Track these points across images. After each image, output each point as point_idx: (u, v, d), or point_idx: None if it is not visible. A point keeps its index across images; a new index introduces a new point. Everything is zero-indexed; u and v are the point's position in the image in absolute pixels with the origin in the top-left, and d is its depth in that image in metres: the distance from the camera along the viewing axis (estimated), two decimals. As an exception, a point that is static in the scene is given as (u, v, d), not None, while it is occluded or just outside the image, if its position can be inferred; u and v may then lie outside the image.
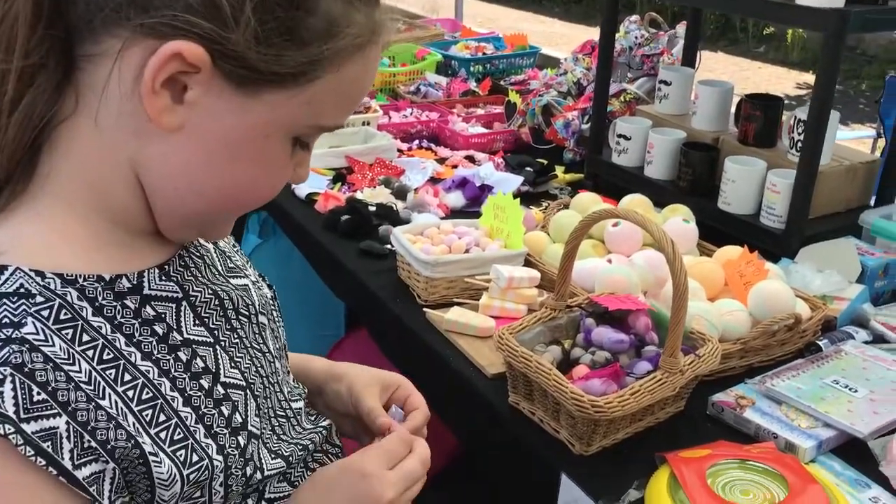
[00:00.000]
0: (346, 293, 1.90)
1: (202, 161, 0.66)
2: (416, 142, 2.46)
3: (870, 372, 1.33)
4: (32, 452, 0.59)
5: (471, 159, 2.33)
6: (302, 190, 2.07)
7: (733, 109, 2.01)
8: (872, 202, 1.88)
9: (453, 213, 1.99)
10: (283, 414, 0.82)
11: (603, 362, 1.20)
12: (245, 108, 0.64)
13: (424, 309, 1.54)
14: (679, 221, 1.63)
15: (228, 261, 0.83)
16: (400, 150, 2.35)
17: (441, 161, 2.32)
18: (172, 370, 0.69)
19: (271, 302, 0.87)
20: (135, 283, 0.69)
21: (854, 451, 1.19)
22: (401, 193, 2.04)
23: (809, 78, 7.51)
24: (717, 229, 1.78)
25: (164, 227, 0.71)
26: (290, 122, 0.67)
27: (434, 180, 2.16)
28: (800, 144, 1.72)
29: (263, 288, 0.87)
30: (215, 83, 0.63)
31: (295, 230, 2.03)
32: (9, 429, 0.58)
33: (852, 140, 4.36)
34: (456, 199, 2.03)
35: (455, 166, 2.27)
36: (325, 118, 0.69)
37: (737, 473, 1.11)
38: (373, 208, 1.92)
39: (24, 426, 0.58)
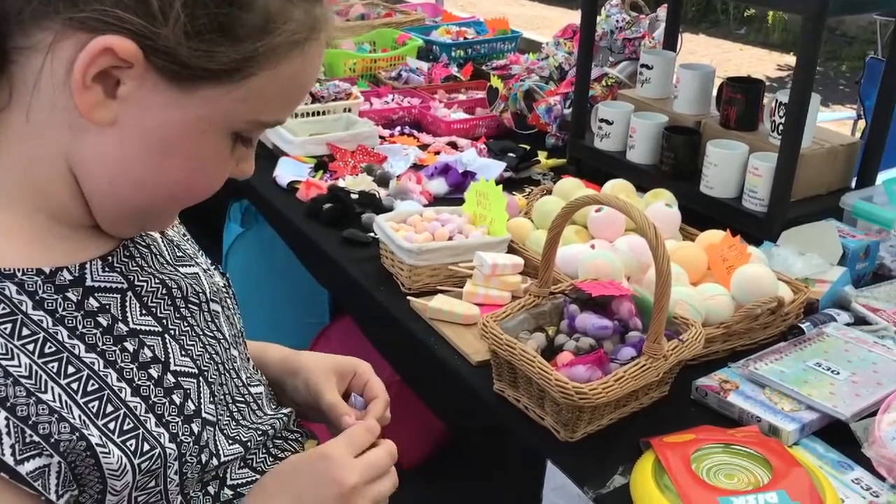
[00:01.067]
0: (329, 282, 1.89)
1: (137, 156, 0.65)
2: (398, 128, 2.44)
3: (852, 354, 1.34)
4: None
5: (453, 145, 2.32)
6: (283, 178, 2.05)
7: (715, 93, 2.01)
8: (853, 184, 1.89)
9: (436, 200, 1.99)
10: (242, 399, 0.82)
11: (587, 349, 1.20)
12: (180, 104, 0.64)
13: (408, 297, 1.54)
14: (661, 206, 1.63)
15: (177, 250, 0.82)
16: (382, 137, 2.34)
17: (423, 147, 2.30)
18: (119, 361, 0.68)
19: (224, 289, 0.86)
20: (76, 275, 0.68)
21: (837, 434, 1.19)
22: (383, 181, 2.03)
23: (790, 59, 7.53)
24: (699, 213, 1.78)
25: (101, 221, 0.70)
26: (228, 117, 0.66)
27: (416, 167, 2.15)
28: (781, 127, 1.72)
29: (215, 276, 0.86)
30: (149, 78, 0.62)
31: (277, 219, 2.01)
32: None
33: (832, 122, 4.38)
34: (438, 185, 2.02)
35: (437, 153, 2.26)
36: (264, 114, 0.68)
37: (721, 458, 1.11)
38: (355, 196, 1.91)
39: None
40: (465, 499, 2.13)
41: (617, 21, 2.41)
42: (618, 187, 1.72)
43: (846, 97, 6.36)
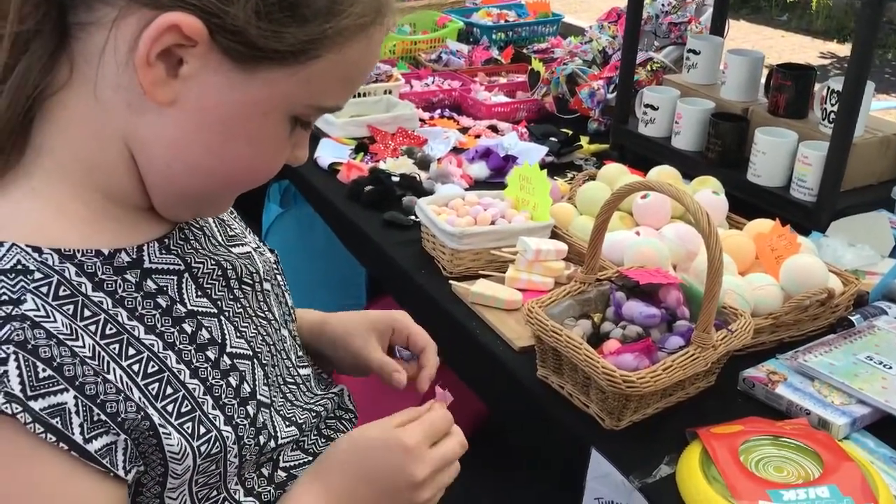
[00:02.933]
0: (370, 264, 1.89)
1: (196, 138, 0.65)
2: (438, 111, 2.43)
3: (904, 348, 1.31)
4: (42, 429, 0.58)
5: (494, 129, 2.31)
6: (324, 160, 2.05)
7: (763, 79, 1.97)
8: (905, 175, 1.85)
9: (477, 184, 1.97)
10: (293, 381, 0.82)
11: (634, 337, 1.19)
12: (242, 85, 0.63)
13: (450, 281, 1.53)
14: (709, 194, 1.60)
15: (228, 229, 0.82)
16: (422, 120, 2.33)
17: (464, 131, 2.29)
18: (177, 343, 0.68)
19: (275, 267, 0.86)
20: (134, 257, 0.68)
21: (888, 429, 1.17)
22: (424, 164, 2.02)
23: (834, 47, 7.38)
24: (745, 202, 1.75)
25: (158, 204, 0.70)
26: (289, 101, 0.65)
27: (457, 150, 2.13)
28: (833, 116, 1.68)
29: (266, 253, 0.85)
30: (212, 58, 0.61)
31: (318, 200, 2.01)
32: (16, 408, 0.57)
33: (879, 111, 4.29)
34: (479, 169, 2.01)
35: (478, 136, 2.25)
36: (325, 98, 0.67)
37: (770, 450, 1.10)
38: (396, 178, 1.90)
39: (31, 404, 0.58)
40: (506, 484, 2.12)
41: (663, 5, 2.38)
42: (664, 174, 1.69)
43: (891, 86, 6.23)
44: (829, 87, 1.73)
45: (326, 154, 2.08)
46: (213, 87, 0.63)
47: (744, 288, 1.34)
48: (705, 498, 1.03)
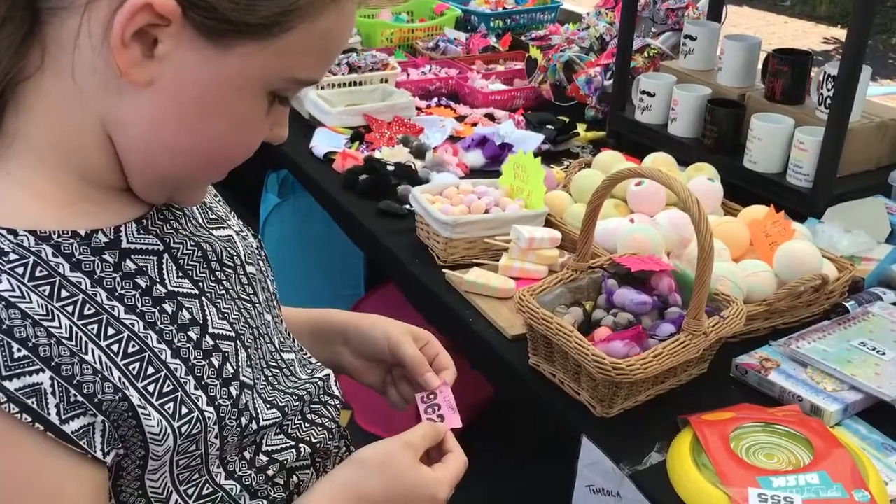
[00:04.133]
0: (367, 252, 1.89)
1: (174, 117, 0.65)
2: (435, 99, 2.42)
3: (898, 334, 1.30)
4: (17, 409, 0.58)
5: (490, 117, 2.30)
6: (320, 149, 2.04)
7: (760, 65, 1.96)
8: (903, 160, 1.84)
9: (473, 173, 1.97)
10: (276, 365, 0.81)
11: (625, 324, 1.18)
12: (216, 61, 0.63)
13: (444, 270, 1.53)
14: (704, 180, 1.59)
15: (210, 212, 0.82)
16: (418, 108, 2.32)
17: (460, 119, 2.28)
18: (158, 322, 0.68)
19: (257, 252, 0.85)
20: (111, 237, 0.68)
21: (881, 415, 1.17)
22: (419, 152, 2.01)
23: (837, 32, 7.33)
24: (741, 188, 1.74)
25: (135, 186, 0.70)
26: (264, 75, 0.65)
27: (453, 139, 2.13)
28: (829, 101, 1.67)
29: (248, 237, 0.85)
30: (186, 35, 0.61)
31: (313, 189, 2.01)
32: None
33: (882, 96, 4.27)
34: (475, 157, 2.00)
35: (475, 124, 2.24)
36: (300, 71, 0.67)
37: (761, 437, 1.09)
38: (391, 167, 1.90)
39: (5, 384, 0.58)
40: (499, 470, 2.13)
41: (660, -9, 2.36)
42: (659, 161, 1.69)
43: (895, 71, 6.19)
44: (825, 72, 1.72)
45: (322, 143, 2.07)
46: (188, 65, 0.63)
47: (737, 274, 1.34)
48: (695, 485, 1.03)
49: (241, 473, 0.74)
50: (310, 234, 2.55)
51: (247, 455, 0.75)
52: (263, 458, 0.76)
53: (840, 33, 7.34)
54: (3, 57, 0.63)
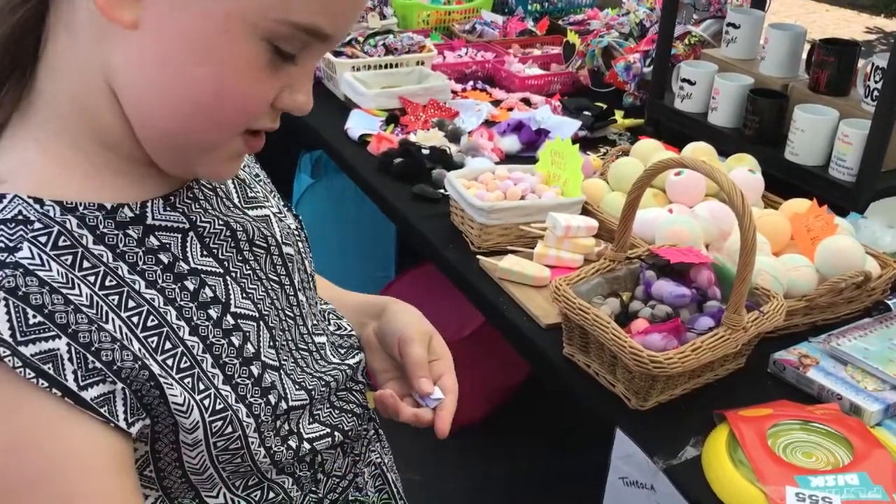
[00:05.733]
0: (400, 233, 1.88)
1: (161, 61, 0.61)
2: (471, 83, 2.40)
3: (942, 334, 1.28)
4: (33, 374, 0.58)
5: (527, 102, 2.28)
6: (355, 131, 2.04)
7: (804, 55, 1.92)
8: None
9: (508, 158, 1.95)
10: (306, 347, 0.81)
11: (663, 317, 1.17)
12: (201, 1, 0.59)
13: (478, 256, 1.52)
14: (744, 172, 1.57)
15: (248, 190, 0.80)
16: (454, 92, 2.30)
17: (496, 103, 2.26)
18: (178, 299, 0.68)
19: (296, 233, 0.84)
20: (137, 212, 0.67)
21: (923, 417, 1.14)
22: (454, 136, 2.00)
23: (881, 22, 7.18)
24: (782, 180, 1.71)
25: (148, 148, 0.67)
26: (254, 14, 0.60)
27: (489, 123, 2.11)
28: (876, 93, 1.63)
29: (288, 219, 0.84)
30: None
31: (347, 171, 2.01)
32: (4, 352, 0.57)
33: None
34: (511, 143, 1.98)
35: (510, 109, 2.22)
36: (294, 12, 0.60)
37: (799, 435, 1.08)
38: (426, 151, 1.89)
39: (21, 349, 0.58)
40: (531, 458, 2.13)
41: (703, -23, 2.32)
42: (699, 151, 1.66)
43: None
44: (873, 64, 1.68)
45: (357, 125, 2.07)
46: (172, 3, 0.60)
47: (777, 269, 1.31)
48: (731, 481, 1.02)
49: (283, 462, 0.74)
50: (342, 216, 2.56)
51: (291, 443, 0.75)
52: (306, 446, 0.76)
53: (883, 23, 7.19)
54: (10, 8, 0.63)
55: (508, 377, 2.23)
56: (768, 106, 1.81)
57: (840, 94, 1.78)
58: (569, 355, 1.26)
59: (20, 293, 0.59)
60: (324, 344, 0.84)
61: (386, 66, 2.30)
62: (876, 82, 1.66)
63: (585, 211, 1.57)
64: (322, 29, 0.62)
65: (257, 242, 0.76)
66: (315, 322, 0.84)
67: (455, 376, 0.88)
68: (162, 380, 0.64)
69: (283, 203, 0.86)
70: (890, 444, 1.08)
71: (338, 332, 0.89)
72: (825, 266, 1.35)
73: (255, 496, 0.75)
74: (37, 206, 0.62)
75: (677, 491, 1.06)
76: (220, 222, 0.73)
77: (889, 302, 1.36)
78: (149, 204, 0.69)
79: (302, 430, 0.76)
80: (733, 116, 1.88)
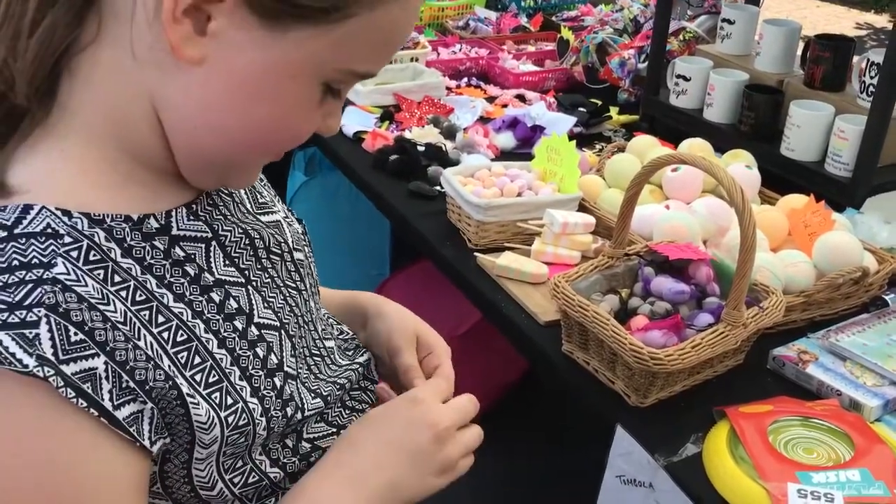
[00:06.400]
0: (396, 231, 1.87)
1: (223, 98, 0.63)
2: (466, 79, 2.40)
3: (940, 329, 1.28)
4: (73, 394, 0.57)
5: (521, 98, 2.27)
6: (350, 128, 2.03)
7: (799, 51, 1.92)
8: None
9: (503, 155, 1.95)
10: (318, 353, 0.80)
11: (663, 313, 1.16)
12: (271, 45, 0.61)
13: (475, 253, 1.51)
14: (741, 168, 1.56)
15: (259, 195, 0.80)
16: (448, 88, 2.30)
17: (491, 100, 2.26)
18: (205, 312, 0.67)
19: (303, 237, 0.84)
20: (163, 223, 0.67)
21: (922, 412, 1.14)
22: (450, 133, 2.00)
23: (871, 17, 7.21)
24: (778, 176, 1.71)
25: (184, 169, 0.68)
26: (319, 63, 0.63)
27: (484, 120, 2.10)
28: (872, 89, 1.63)
29: (294, 223, 0.84)
30: (239, 14, 0.59)
31: (342, 168, 2.00)
32: (49, 371, 0.56)
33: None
34: (506, 139, 1.98)
35: (505, 105, 2.21)
36: (357, 62, 0.64)
37: (799, 431, 1.08)
38: (421, 148, 1.88)
39: (63, 368, 0.57)
40: (529, 455, 2.12)
41: (697, -28, 2.31)
42: (695, 147, 1.66)
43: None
44: (868, 59, 1.68)
45: (352, 122, 2.05)
46: (240, 45, 0.61)
47: (776, 265, 1.31)
48: (732, 478, 1.02)
49: (284, 460, 0.73)
50: (336, 213, 2.55)
51: (289, 443, 0.74)
52: (306, 446, 0.76)
53: (873, 18, 7.22)
54: (58, 25, 0.61)
55: (506, 374, 2.22)
56: (764, 102, 1.81)
57: (835, 89, 1.78)
58: (568, 352, 1.26)
59: (61, 310, 0.58)
60: (333, 348, 0.84)
61: (379, 63, 2.29)
62: (871, 78, 1.66)
63: (582, 207, 1.57)
64: (374, 73, 0.67)
65: (273, 249, 0.76)
66: (324, 326, 0.84)
67: (450, 362, 0.90)
68: (189, 399, 0.63)
69: (286, 208, 0.86)
70: (890, 439, 1.07)
71: (342, 337, 0.89)
72: (823, 262, 1.35)
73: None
74: (65, 219, 0.61)
75: (678, 488, 1.05)
76: (240, 230, 0.73)
77: (886, 297, 1.36)
78: (173, 213, 0.68)
79: (304, 430, 0.76)
80: (729, 112, 1.88)
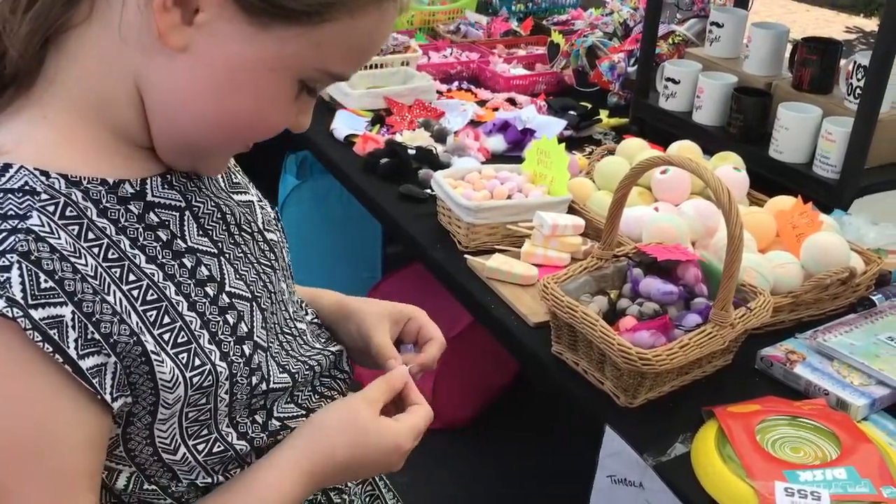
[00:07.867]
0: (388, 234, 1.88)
1: (203, 86, 0.66)
2: (456, 83, 2.40)
3: (926, 329, 1.29)
4: (40, 338, 0.59)
5: (512, 102, 2.28)
6: (341, 131, 2.03)
7: (787, 54, 1.94)
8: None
9: (494, 158, 1.95)
10: (290, 332, 0.82)
11: (651, 314, 1.17)
12: (254, 39, 0.64)
13: (465, 255, 1.52)
14: (729, 170, 1.57)
15: (233, 176, 0.83)
16: (439, 92, 2.30)
17: (481, 103, 2.26)
18: (177, 275, 0.69)
19: (275, 221, 0.87)
20: (137, 188, 0.69)
21: (908, 411, 1.15)
22: (440, 136, 2.00)
23: (860, 21, 7.25)
24: (767, 178, 1.72)
25: (159, 148, 0.71)
26: (297, 61, 0.66)
27: (474, 123, 2.11)
28: (858, 91, 1.65)
29: (267, 207, 0.87)
30: (227, 8, 0.63)
31: (333, 172, 2.00)
32: (17, 312, 0.58)
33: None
34: (497, 142, 1.99)
35: (496, 109, 2.22)
36: (333, 64, 0.68)
37: (787, 430, 1.09)
38: (412, 151, 1.88)
39: (31, 312, 0.59)
40: (521, 457, 2.13)
41: (686, -24, 2.33)
42: (684, 149, 1.67)
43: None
44: (855, 62, 1.69)
45: (342, 126, 2.06)
46: (225, 38, 0.64)
47: (763, 266, 1.32)
48: (720, 477, 1.02)
49: (252, 435, 0.75)
50: (328, 217, 2.55)
51: (258, 418, 0.76)
52: (275, 423, 0.77)
53: (862, 22, 7.25)
54: (56, 4, 0.65)
55: (497, 376, 2.23)
56: (752, 104, 1.82)
57: (823, 91, 1.79)
58: (557, 353, 1.27)
59: (33, 257, 0.60)
60: (305, 330, 0.86)
61: (371, 67, 2.30)
62: (858, 80, 1.67)
63: (572, 210, 1.58)
64: (347, 75, 0.71)
65: (244, 227, 0.79)
66: (295, 308, 0.86)
67: (432, 323, 0.94)
68: (153, 356, 0.65)
69: (260, 194, 0.88)
70: (876, 438, 1.08)
71: (315, 321, 0.91)
72: (811, 262, 1.36)
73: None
74: (42, 178, 0.64)
75: (667, 487, 1.06)
76: (212, 204, 0.76)
77: (873, 297, 1.37)
78: (148, 181, 0.71)
79: (274, 409, 0.78)
80: (718, 115, 1.90)
